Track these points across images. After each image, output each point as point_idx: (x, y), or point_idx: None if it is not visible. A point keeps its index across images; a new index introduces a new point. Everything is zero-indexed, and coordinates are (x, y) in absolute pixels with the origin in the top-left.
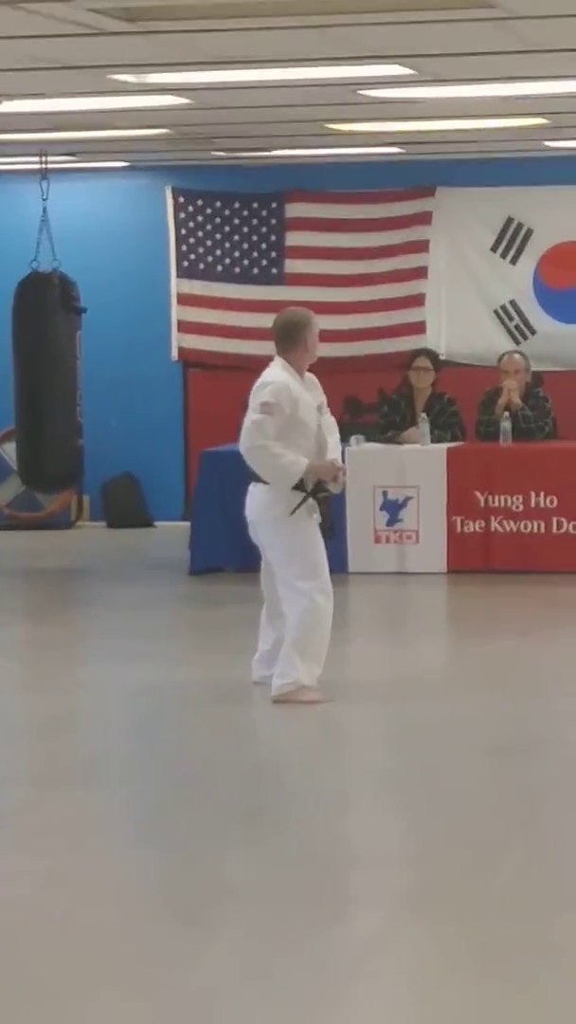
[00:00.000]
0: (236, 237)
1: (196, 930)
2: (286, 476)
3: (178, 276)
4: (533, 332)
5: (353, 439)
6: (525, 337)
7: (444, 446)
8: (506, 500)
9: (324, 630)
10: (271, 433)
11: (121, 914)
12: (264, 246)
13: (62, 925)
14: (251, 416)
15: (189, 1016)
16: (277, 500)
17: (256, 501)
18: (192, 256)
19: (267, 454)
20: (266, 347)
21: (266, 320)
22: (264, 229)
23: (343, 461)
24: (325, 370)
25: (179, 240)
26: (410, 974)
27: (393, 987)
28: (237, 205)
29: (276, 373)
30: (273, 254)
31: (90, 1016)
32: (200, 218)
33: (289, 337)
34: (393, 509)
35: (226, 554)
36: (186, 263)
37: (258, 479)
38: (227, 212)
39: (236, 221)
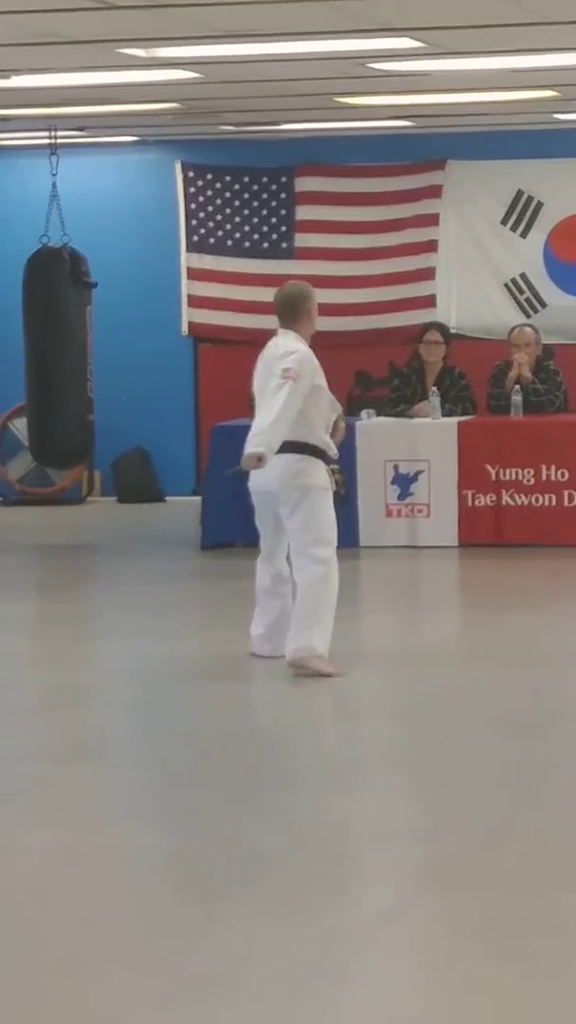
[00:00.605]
0: (246, 211)
1: (206, 904)
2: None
3: (188, 251)
4: (544, 305)
5: (364, 413)
6: (535, 310)
7: (455, 420)
8: (517, 473)
9: (334, 599)
10: (296, 402)
11: (131, 889)
12: (274, 220)
13: (71, 900)
14: (277, 384)
15: (198, 990)
16: (308, 470)
17: (280, 470)
18: (202, 230)
19: (286, 413)
20: (275, 322)
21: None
22: (274, 203)
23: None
24: (335, 344)
25: (189, 215)
26: (420, 949)
27: (402, 962)
28: (247, 179)
29: (293, 344)
30: (283, 228)
31: (98, 991)
32: (210, 192)
33: (297, 309)
34: (404, 483)
35: (237, 529)
36: (196, 237)
37: (283, 449)
38: (236, 186)
39: (246, 195)
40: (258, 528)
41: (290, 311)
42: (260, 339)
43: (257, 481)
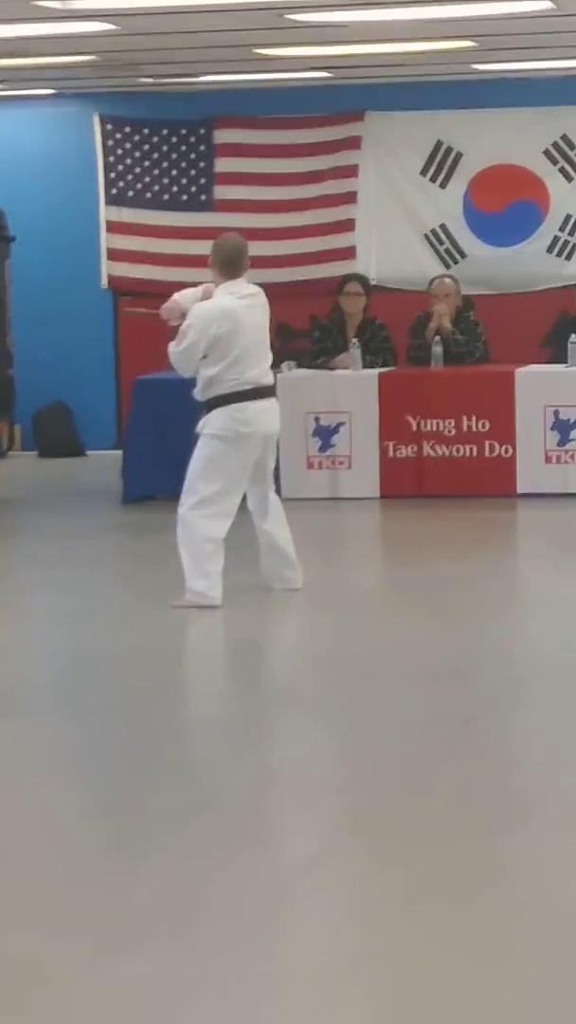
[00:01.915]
0: (165, 164)
1: (126, 858)
2: None
3: (107, 204)
4: (463, 256)
5: (284, 365)
6: (455, 261)
7: (375, 371)
8: (438, 424)
9: None
10: None
11: (52, 843)
12: (193, 172)
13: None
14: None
15: (123, 944)
16: None
17: (276, 412)
18: (121, 184)
19: None
20: (196, 274)
21: (196, 247)
22: (193, 155)
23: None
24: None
25: (107, 168)
26: (345, 897)
27: (328, 911)
28: (165, 132)
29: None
30: (202, 180)
31: (21, 946)
32: (128, 145)
33: (244, 260)
34: (325, 435)
35: (160, 482)
36: (115, 191)
37: (271, 392)
38: (155, 139)
39: (164, 148)
40: (238, 481)
41: (240, 261)
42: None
43: (265, 423)
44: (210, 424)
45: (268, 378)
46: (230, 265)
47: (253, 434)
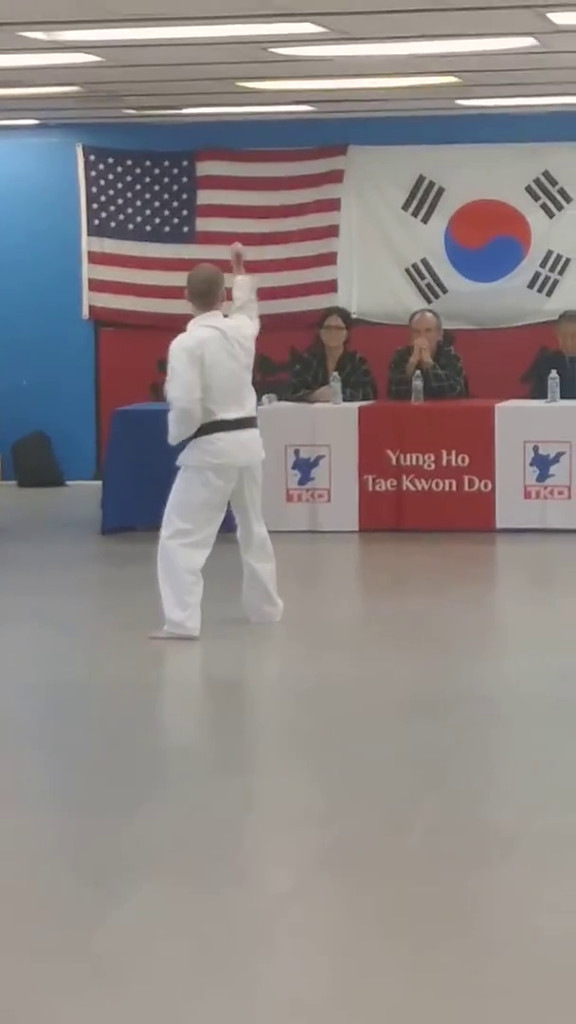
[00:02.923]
0: (147, 195)
1: (104, 891)
2: None
3: (89, 234)
4: (444, 291)
5: (265, 398)
6: (436, 296)
7: (356, 405)
8: (417, 459)
9: None
10: None
11: (30, 874)
12: (175, 204)
13: None
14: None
15: (99, 975)
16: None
17: (257, 444)
18: (103, 214)
19: None
20: (177, 305)
21: (177, 279)
22: (175, 187)
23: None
24: None
25: (90, 198)
26: (321, 933)
27: (304, 946)
28: (148, 163)
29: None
30: (184, 212)
31: None
32: (111, 176)
33: (220, 291)
34: (305, 468)
35: (138, 512)
36: (97, 221)
37: (253, 424)
38: (138, 170)
39: (147, 179)
40: (214, 512)
41: (213, 292)
42: (161, 323)
43: (240, 455)
44: (184, 457)
45: (245, 410)
46: (204, 296)
47: (226, 465)
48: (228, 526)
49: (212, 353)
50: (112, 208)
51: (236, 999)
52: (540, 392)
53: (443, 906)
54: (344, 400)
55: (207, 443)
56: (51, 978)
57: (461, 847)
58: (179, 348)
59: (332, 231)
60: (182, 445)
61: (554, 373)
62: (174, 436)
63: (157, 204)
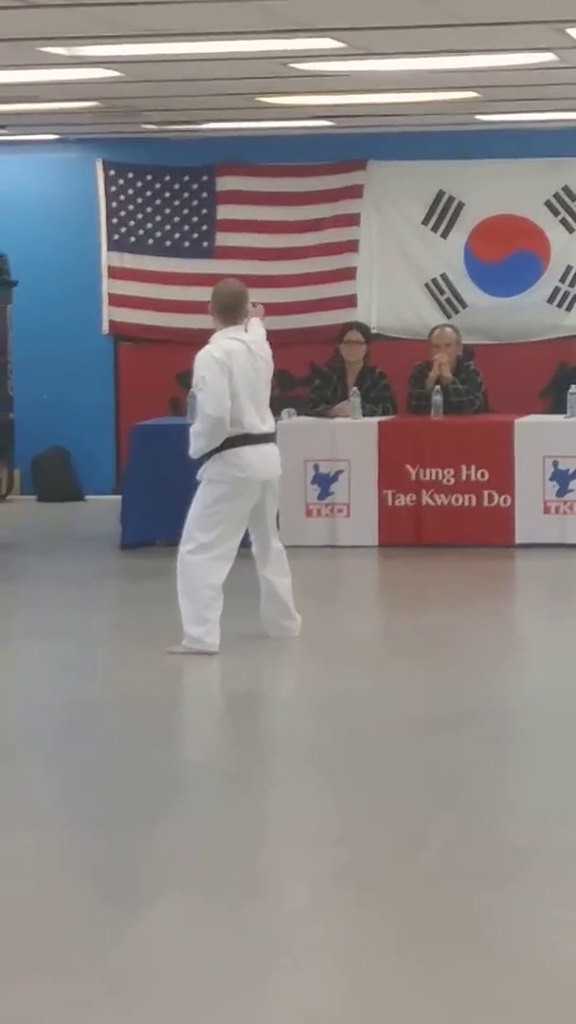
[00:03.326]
0: (167, 210)
1: (120, 906)
2: None
3: (109, 249)
4: (464, 306)
5: (284, 412)
6: (456, 311)
7: (375, 420)
8: (437, 474)
9: None
10: None
11: (46, 892)
12: (195, 219)
13: None
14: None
15: (116, 992)
16: None
17: (277, 459)
18: (123, 229)
19: None
20: (197, 320)
21: (197, 293)
22: (195, 202)
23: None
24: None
25: (110, 213)
26: (336, 950)
27: (319, 963)
28: (168, 178)
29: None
30: (204, 227)
31: (12, 996)
32: (131, 191)
33: (245, 306)
34: (324, 483)
35: (157, 528)
36: (117, 236)
37: (271, 439)
38: (158, 185)
39: (167, 194)
40: (236, 526)
41: (238, 308)
42: (180, 338)
43: (262, 469)
44: (208, 471)
45: (266, 425)
46: (228, 311)
47: (250, 479)
48: (244, 541)
49: (239, 365)
50: (132, 223)
51: (252, 1015)
52: (559, 407)
53: (458, 923)
54: (364, 415)
55: (233, 456)
56: (68, 994)
57: (477, 863)
58: (208, 358)
59: (351, 246)
60: (203, 459)
61: (573, 388)
62: (199, 448)
63: (176, 219)
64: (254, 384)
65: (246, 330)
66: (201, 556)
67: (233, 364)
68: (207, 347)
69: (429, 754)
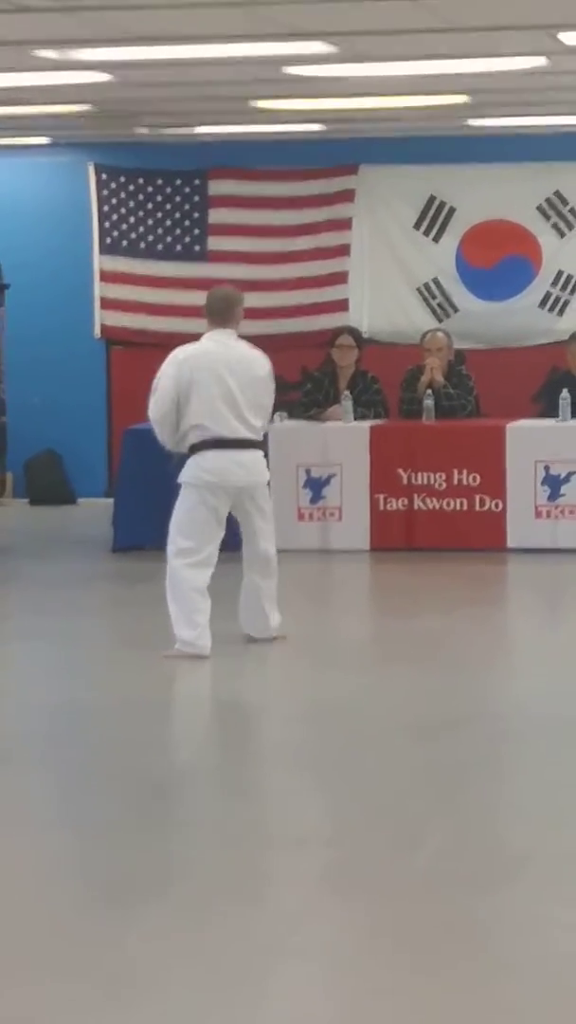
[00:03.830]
0: (159, 214)
1: (115, 912)
2: None
3: (101, 253)
4: (456, 310)
5: (276, 416)
6: (448, 315)
7: (367, 424)
8: (429, 478)
9: None
10: None
11: (42, 895)
12: (187, 223)
13: None
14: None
15: (112, 998)
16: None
17: (257, 466)
18: (115, 233)
19: None
20: (189, 324)
21: (189, 297)
22: (187, 206)
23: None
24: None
25: (102, 217)
26: (329, 953)
27: (312, 967)
28: (160, 182)
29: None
30: (196, 231)
31: (10, 999)
32: (123, 195)
33: (237, 310)
34: (316, 487)
35: (149, 531)
36: (109, 240)
37: (253, 445)
38: (150, 189)
39: (159, 198)
40: (212, 531)
41: (231, 311)
42: (172, 342)
43: (234, 475)
44: (183, 474)
45: (247, 431)
46: (220, 314)
47: (218, 484)
48: (235, 544)
49: (202, 369)
50: (124, 227)
51: (249, 1018)
52: (551, 411)
53: (455, 926)
54: (355, 419)
55: (201, 459)
56: (63, 999)
57: (473, 866)
58: (171, 357)
59: (343, 250)
60: (182, 462)
61: (565, 393)
62: (161, 441)
63: (169, 223)
64: (230, 388)
65: (237, 336)
66: (184, 561)
67: (194, 367)
68: (179, 347)
69: (423, 757)
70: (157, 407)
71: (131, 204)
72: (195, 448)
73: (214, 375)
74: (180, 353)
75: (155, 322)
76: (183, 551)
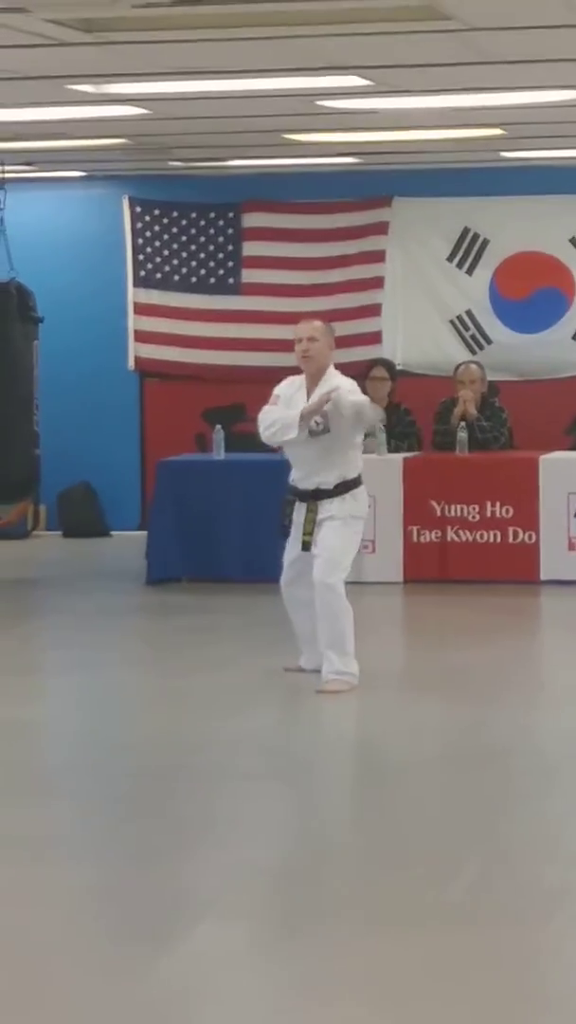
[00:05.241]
0: (193, 247)
1: (148, 943)
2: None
3: (135, 286)
4: (489, 342)
5: None
6: (481, 347)
7: (400, 456)
8: (462, 510)
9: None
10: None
11: (74, 927)
12: (221, 256)
13: (16, 938)
14: None
15: None
16: None
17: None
18: (149, 265)
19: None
20: (223, 357)
21: (222, 330)
22: (221, 239)
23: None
24: (281, 380)
25: (136, 249)
26: (364, 988)
27: (348, 1001)
28: (194, 215)
29: None
30: (230, 264)
31: None
32: (157, 228)
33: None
34: None
35: (182, 564)
36: (143, 272)
37: None
38: (184, 222)
39: (193, 231)
40: None
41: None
42: (205, 374)
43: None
44: (354, 507)
45: None
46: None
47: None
48: (271, 576)
49: None
50: (158, 259)
51: None
52: None
53: (490, 959)
54: (389, 451)
55: (364, 494)
56: None
57: (506, 902)
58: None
59: (377, 283)
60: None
61: None
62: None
63: (202, 256)
64: None
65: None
66: (344, 590)
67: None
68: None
69: (457, 790)
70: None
71: (165, 237)
72: (359, 481)
73: None
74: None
75: (189, 355)
76: (344, 580)
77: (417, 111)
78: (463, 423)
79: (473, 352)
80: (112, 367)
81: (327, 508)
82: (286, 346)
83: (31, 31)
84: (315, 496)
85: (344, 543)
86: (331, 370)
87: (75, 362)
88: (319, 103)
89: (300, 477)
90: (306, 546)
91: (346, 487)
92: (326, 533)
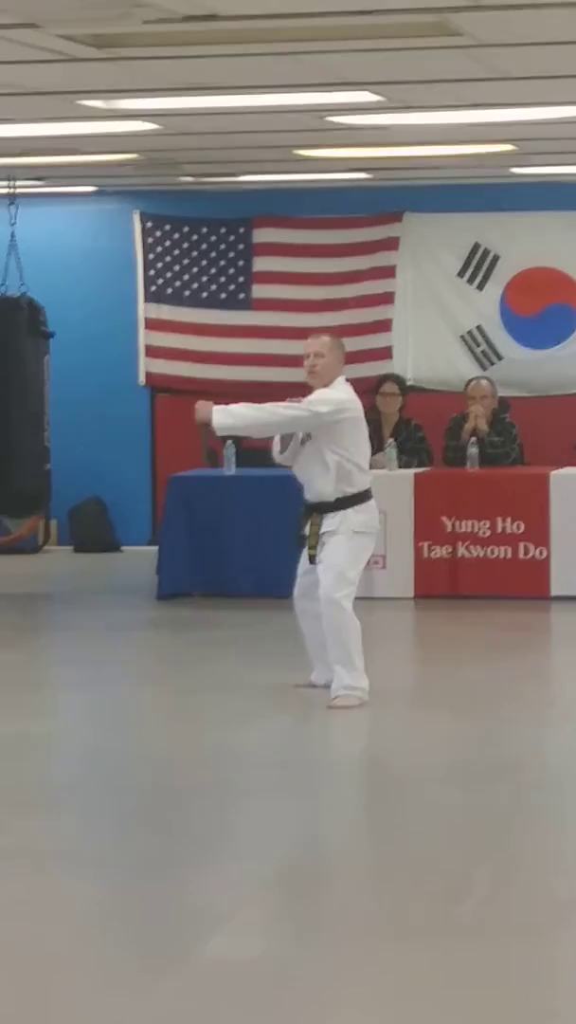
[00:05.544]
0: (204, 262)
1: (157, 959)
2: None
3: (146, 301)
4: (500, 358)
5: None
6: (492, 363)
7: (411, 471)
8: (473, 525)
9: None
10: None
11: (84, 941)
12: (231, 271)
13: (25, 951)
14: None
15: None
16: None
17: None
18: (160, 281)
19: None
20: (233, 372)
21: (233, 345)
22: (231, 254)
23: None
24: (291, 395)
25: (147, 265)
26: (375, 1001)
27: (360, 1015)
28: (205, 230)
29: None
30: (240, 279)
31: None
32: (168, 243)
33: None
34: None
35: (193, 579)
36: (154, 288)
37: None
38: (195, 237)
39: (204, 246)
40: None
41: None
42: (217, 389)
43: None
44: (357, 521)
45: None
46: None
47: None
48: (282, 591)
49: (359, 412)
50: (169, 275)
51: None
52: None
53: (499, 974)
54: (399, 467)
55: (372, 509)
56: None
57: (517, 915)
58: (327, 395)
59: (387, 298)
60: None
61: None
62: (278, 425)
63: (213, 271)
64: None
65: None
66: (350, 604)
67: (358, 408)
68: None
69: (467, 805)
70: (337, 406)
71: (176, 252)
72: (363, 497)
73: (360, 420)
74: (341, 394)
75: (200, 370)
76: (350, 594)
77: (428, 127)
78: (474, 439)
79: (484, 368)
80: (123, 382)
81: (329, 522)
82: (297, 362)
83: (43, 47)
84: (318, 509)
85: (347, 558)
86: (337, 381)
87: (86, 377)
88: (330, 119)
89: (304, 489)
90: (311, 559)
91: (347, 501)
92: (329, 548)
